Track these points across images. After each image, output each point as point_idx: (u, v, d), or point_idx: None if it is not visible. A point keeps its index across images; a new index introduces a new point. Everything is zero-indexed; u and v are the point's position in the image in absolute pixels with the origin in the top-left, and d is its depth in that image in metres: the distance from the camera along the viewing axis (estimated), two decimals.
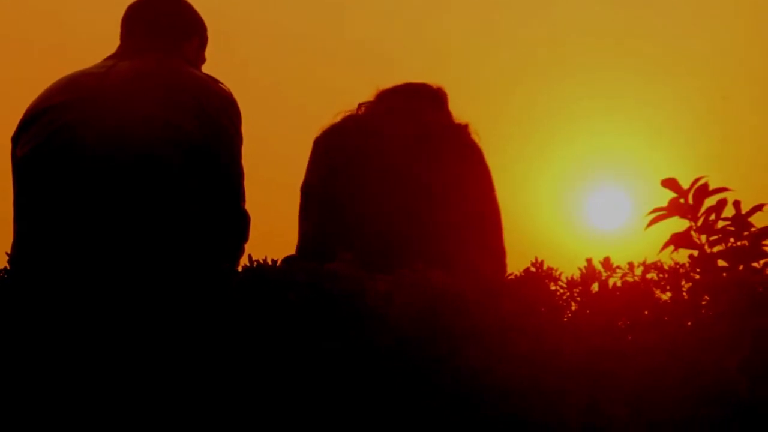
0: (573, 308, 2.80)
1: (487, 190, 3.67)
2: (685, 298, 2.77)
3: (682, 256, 2.88)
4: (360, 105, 3.80)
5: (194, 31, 3.53)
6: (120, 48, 3.45)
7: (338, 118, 3.76)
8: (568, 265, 2.87)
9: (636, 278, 2.82)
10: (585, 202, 6.80)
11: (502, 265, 3.61)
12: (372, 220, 3.53)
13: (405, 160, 3.60)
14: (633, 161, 7.20)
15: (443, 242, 3.51)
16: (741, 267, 2.82)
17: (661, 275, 2.82)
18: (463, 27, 7.94)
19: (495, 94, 7.72)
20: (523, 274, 2.84)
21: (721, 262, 2.85)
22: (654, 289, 2.79)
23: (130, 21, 3.49)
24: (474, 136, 3.72)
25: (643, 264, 2.84)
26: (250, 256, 3.07)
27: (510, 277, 2.87)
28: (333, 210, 3.58)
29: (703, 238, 2.88)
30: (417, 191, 3.56)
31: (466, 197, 3.61)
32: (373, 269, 2.76)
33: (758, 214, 2.87)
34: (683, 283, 2.80)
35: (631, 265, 2.84)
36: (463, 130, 3.72)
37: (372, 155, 3.61)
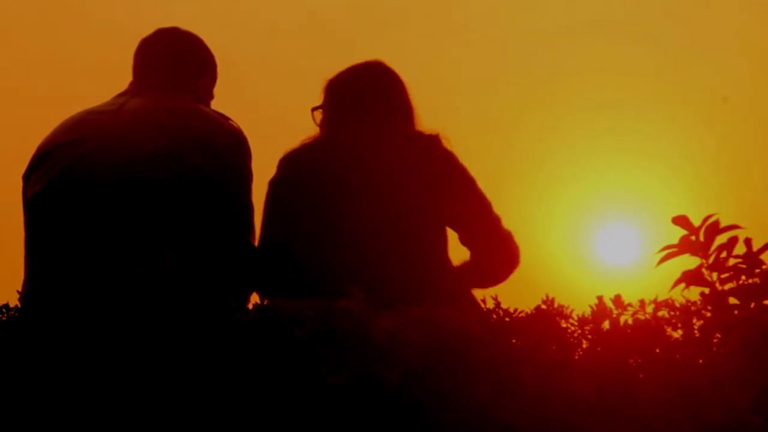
0: (584, 346, 2.79)
1: (470, 191, 3.68)
2: (697, 335, 2.76)
3: (694, 293, 2.87)
4: (314, 110, 3.75)
5: (206, 69, 3.54)
6: (132, 84, 3.46)
7: (304, 142, 3.73)
8: (578, 301, 2.86)
9: (647, 316, 2.81)
10: (596, 238, 6.80)
11: (503, 236, 3.66)
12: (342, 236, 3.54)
13: (374, 180, 3.60)
14: (644, 197, 7.20)
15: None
16: (753, 305, 2.81)
17: (672, 313, 2.81)
18: (472, 62, 7.96)
19: (505, 130, 7.73)
20: (534, 311, 2.84)
21: (732, 300, 2.84)
22: (665, 326, 2.78)
23: (143, 56, 3.50)
24: (445, 144, 3.70)
25: (655, 301, 2.84)
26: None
27: (521, 315, 2.86)
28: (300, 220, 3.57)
29: (715, 275, 2.87)
30: (389, 207, 3.57)
31: (448, 203, 3.62)
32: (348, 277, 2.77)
33: None
34: (695, 320, 2.79)
35: (642, 302, 2.83)
36: (434, 141, 3.70)
37: (342, 176, 3.60)
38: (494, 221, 3.66)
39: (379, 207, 3.55)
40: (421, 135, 3.68)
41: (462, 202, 3.63)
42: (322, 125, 3.71)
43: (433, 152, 3.65)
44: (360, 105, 3.69)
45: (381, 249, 3.51)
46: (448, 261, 3.62)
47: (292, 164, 3.64)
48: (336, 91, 3.73)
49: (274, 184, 3.61)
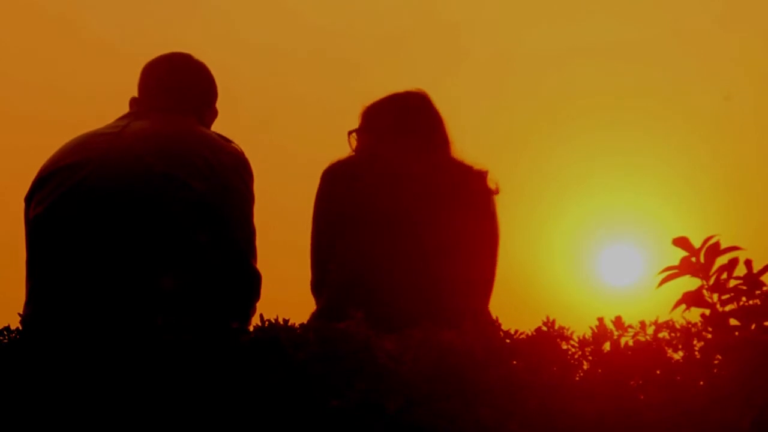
0: (585, 367, 2.79)
1: (491, 246, 3.70)
2: (698, 357, 2.76)
3: (694, 314, 2.87)
4: (350, 133, 3.79)
5: (212, 98, 3.55)
6: (135, 105, 3.47)
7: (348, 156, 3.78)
8: (581, 322, 2.87)
9: (648, 337, 2.81)
10: (598, 259, 6.80)
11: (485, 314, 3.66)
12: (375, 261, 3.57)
13: (414, 203, 3.63)
14: (647, 218, 7.21)
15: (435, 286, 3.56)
16: (753, 326, 2.81)
17: (673, 334, 2.81)
18: (477, 85, 7.99)
19: (508, 152, 7.75)
20: (534, 333, 2.84)
21: (733, 321, 2.84)
22: (666, 348, 2.78)
23: (147, 79, 3.51)
24: (491, 184, 3.74)
25: (655, 323, 2.84)
26: (261, 316, 3.07)
27: (521, 336, 2.87)
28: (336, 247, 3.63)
29: (715, 296, 2.87)
30: (423, 235, 3.60)
31: (469, 247, 3.65)
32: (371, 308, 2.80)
33: None
34: (695, 342, 2.79)
35: (642, 324, 2.83)
36: (482, 177, 3.73)
37: (382, 194, 3.64)
38: (488, 285, 3.69)
39: (419, 223, 3.59)
40: (472, 168, 3.75)
41: (480, 251, 3.68)
42: (360, 147, 3.74)
43: (479, 187, 3.69)
44: (402, 128, 3.75)
45: (409, 263, 3.56)
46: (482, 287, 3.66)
47: (337, 176, 3.71)
48: (376, 115, 3.79)
49: (320, 197, 3.69)
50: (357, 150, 3.77)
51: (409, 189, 3.63)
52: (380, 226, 3.60)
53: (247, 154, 3.39)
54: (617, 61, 7.82)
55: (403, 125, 3.74)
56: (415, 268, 3.58)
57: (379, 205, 3.62)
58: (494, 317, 3.18)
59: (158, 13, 7.94)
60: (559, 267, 6.85)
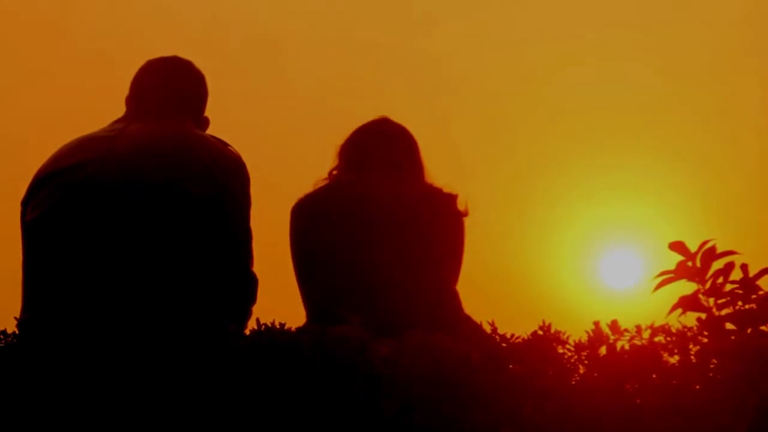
0: (581, 371, 2.79)
1: (456, 264, 3.80)
2: (693, 361, 2.76)
3: (690, 319, 2.88)
4: (331, 171, 3.89)
5: (204, 98, 3.55)
6: (130, 109, 3.46)
7: (317, 186, 3.87)
8: (582, 326, 2.87)
9: (644, 341, 2.82)
10: (599, 263, 6.82)
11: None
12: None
13: (382, 228, 3.69)
14: (650, 222, 7.23)
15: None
16: (749, 330, 2.81)
17: (668, 338, 2.81)
18: (478, 93, 8.00)
19: (510, 159, 7.76)
20: (530, 337, 2.84)
21: (729, 326, 2.84)
22: (662, 352, 2.78)
23: (141, 83, 3.50)
24: (460, 206, 3.80)
25: (651, 327, 2.84)
26: (258, 320, 3.07)
27: (518, 340, 2.87)
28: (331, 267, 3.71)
29: (711, 301, 2.88)
30: (397, 256, 3.66)
31: (437, 265, 3.72)
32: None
33: (766, 277, 2.87)
34: (691, 346, 2.79)
35: (638, 328, 2.83)
36: (452, 200, 3.81)
37: (359, 217, 3.70)
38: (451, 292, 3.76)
39: (392, 241, 3.64)
40: (441, 191, 3.83)
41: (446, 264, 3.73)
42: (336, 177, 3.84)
43: (448, 209, 3.79)
44: (371, 159, 3.85)
45: (392, 278, 3.60)
46: (454, 295, 3.74)
47: (306, 209, 3.79)
48: (347, 152, 3.89)
49: (294, 233, 3.78)
50: (328, 183, 3.86)
51: (377, 216, 3.72)
52: (354, 252, 3.69)
53: (245, 157, 3.39)
54: (618, 64, 7.83)
55: (373, 156, 3.85)
56: (390, 285, 3.66)
57: (347, 237, 3.70)
58: (479, 322, 3.22)
59: (158, 12, 7.94)
60: (562, 272, 6.87)
